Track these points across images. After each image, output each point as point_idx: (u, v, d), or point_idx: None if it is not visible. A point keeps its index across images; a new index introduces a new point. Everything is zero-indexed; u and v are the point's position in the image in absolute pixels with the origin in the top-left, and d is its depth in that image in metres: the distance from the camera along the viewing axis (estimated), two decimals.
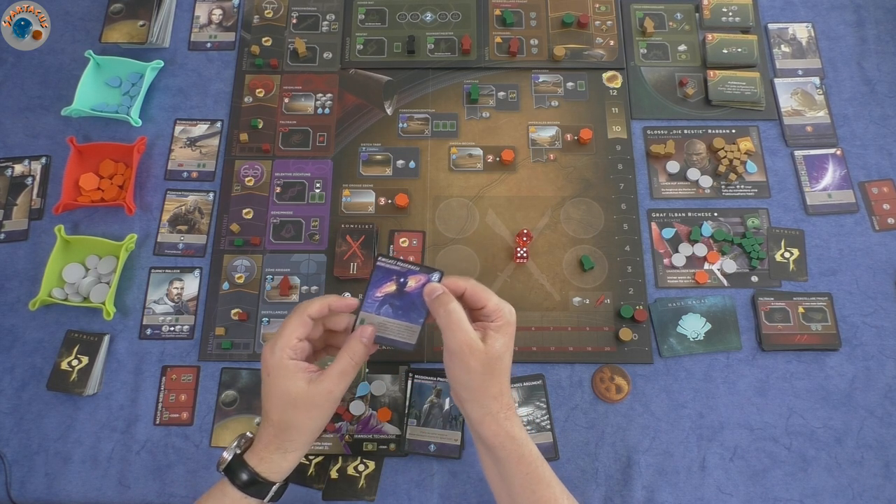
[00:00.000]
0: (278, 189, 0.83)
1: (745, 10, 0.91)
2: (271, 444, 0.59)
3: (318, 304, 0.60)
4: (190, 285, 0.79)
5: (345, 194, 0.83)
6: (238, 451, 0.60)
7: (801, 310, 0.77)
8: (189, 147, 0.85)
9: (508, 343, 0.59)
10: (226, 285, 0.79)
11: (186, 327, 0.77)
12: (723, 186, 0.83)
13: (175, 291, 0.79)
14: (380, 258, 0.61)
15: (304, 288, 0.79)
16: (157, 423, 0.74)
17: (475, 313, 0.61)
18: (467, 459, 0.72)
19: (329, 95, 0.88)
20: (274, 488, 0.60)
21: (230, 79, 0.89)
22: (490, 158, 0.84)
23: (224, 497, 0.59)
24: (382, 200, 0.83)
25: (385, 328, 0.60)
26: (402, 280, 0.61)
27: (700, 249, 0.80)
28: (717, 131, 0.85)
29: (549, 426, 0.73)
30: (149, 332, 0.77)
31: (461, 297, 0.60)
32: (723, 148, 0.83)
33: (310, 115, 0.87)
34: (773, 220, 0.81)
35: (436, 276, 0.60)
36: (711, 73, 0.87)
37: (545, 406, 0.73)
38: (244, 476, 0.58)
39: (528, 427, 0.72)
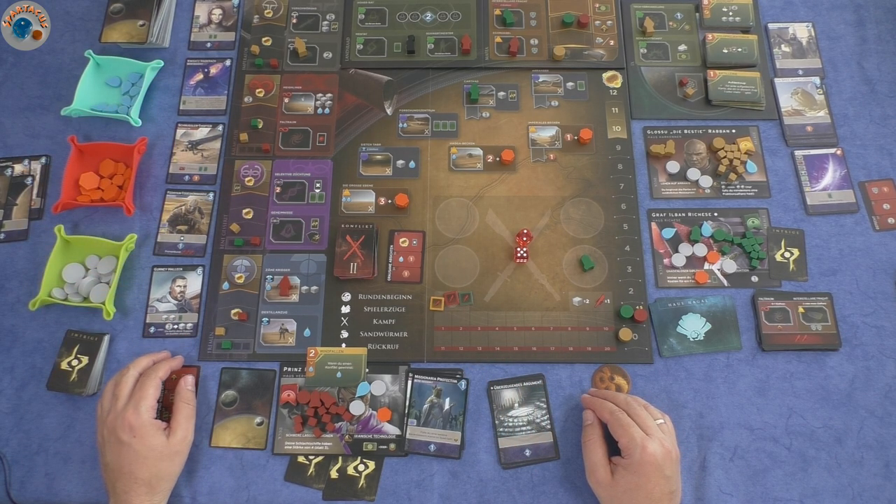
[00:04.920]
0: (278, 189, 0.83)
1: (746, 10, 0.91)
2: (143, 497, 0.64)
3: (164, 367, 0.70)
4: (193, 283, 0.79)
5: (345, 194, 0.83)
6: None
7: (801, 310, 0.77)
8: (191, 150, 0.85)
9: (639, 482, 0.62)
10: (226, 285, 0.79)
11: (190, 325, 0.77)
12: (723, 186, 0.83)
13: (178, 289, 0.79)
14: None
15: (304, 288, 0.79)
16: None
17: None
18: (467, 459, 0.72)
19: (329, 95, 0.88)
20: None
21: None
22: (490, 158, 0.84)
23: None
24: (382, 200, 0.83)
25: None
26: None
27: (700, 249, 0.80)
28: (717, 131, 0.85)
29: (549, 426, 0.73)
30: (152, 330, 0.77)
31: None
32: (723, 148, 0.83)
33: (310, 115, 0.87)
34: (773, 220, 0.81)
35: None
36: (711, 72, 0.87)
37: (545, 406, 0.73)
38: None
39: (528, 427, 0.72)
